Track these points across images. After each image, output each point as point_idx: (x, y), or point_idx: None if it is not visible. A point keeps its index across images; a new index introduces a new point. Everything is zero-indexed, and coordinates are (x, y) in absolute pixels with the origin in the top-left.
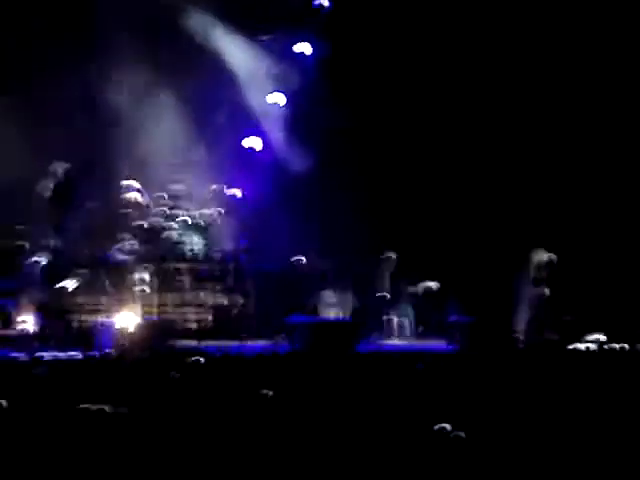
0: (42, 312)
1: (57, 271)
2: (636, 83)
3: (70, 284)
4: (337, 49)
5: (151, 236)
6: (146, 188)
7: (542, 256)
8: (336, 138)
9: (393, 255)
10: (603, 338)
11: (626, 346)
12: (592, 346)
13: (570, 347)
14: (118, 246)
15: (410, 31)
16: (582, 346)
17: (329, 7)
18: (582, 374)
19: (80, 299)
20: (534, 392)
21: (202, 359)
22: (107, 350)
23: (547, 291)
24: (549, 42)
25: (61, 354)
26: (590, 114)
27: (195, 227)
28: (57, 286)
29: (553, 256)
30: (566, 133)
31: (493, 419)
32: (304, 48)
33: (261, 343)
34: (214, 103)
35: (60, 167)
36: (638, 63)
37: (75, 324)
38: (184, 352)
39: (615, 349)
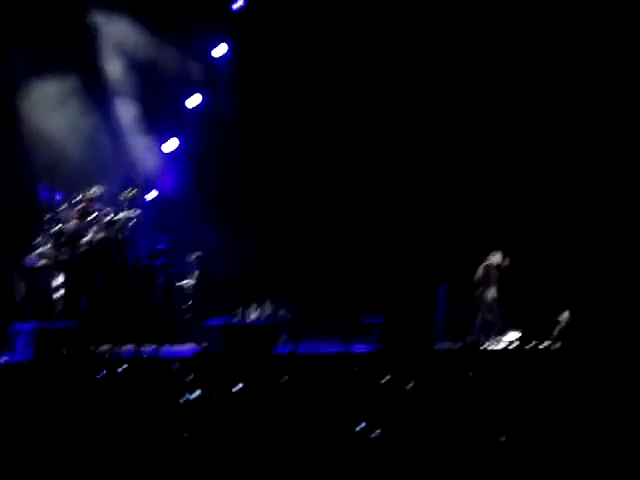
0: None
1: None
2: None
3: None
4: (251, 50)
5: (67, 240)
6: (60, 190)
7: (496, 258)
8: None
9: None
10: (517, 336)
11: (541, 344)
12: (505, 345)
13: (486, 347)
14: (36, 250)
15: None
16: (498, 346)
17: (242, 7)
18: (494, 374)
19: None
20: (446, 392)
21: (124, 364)
22: (24, 356)
23: (494, 293)
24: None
25: None
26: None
27: (112, 230)
28: None
29: (506, 259)
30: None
31: (411, 418)
32: (220, 49)
33: (178, 347)
34: (130, 103)
35: None
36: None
37: None
38: (103, 357)
39: (530, 348)
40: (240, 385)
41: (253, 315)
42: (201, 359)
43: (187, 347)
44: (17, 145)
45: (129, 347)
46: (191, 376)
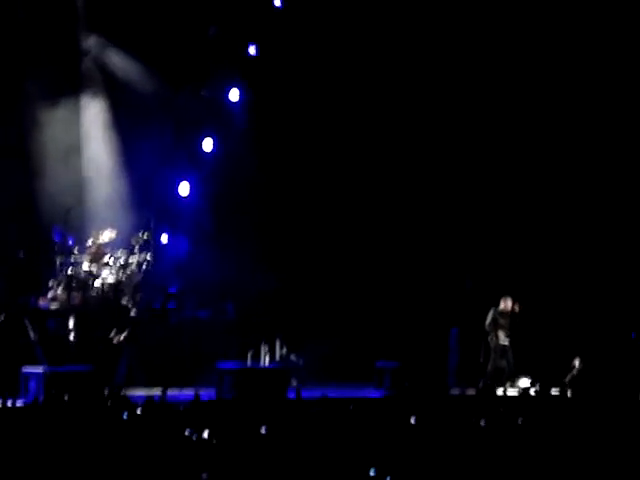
0: None
1: None
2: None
3: None
4: (264, 95)
5: (78, 283)
6: (72, 233)
7: (505, 304)
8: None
9: None
10: (528, 382)
11: (554, 390)
12: (519, 391)
13: (500, 392)
14: (47, 294)
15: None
16: (513, 391)
17: (256, 53)
18: (507, 420)
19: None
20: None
21: (136, 408)
22: (35, 397)
23: (507, 340)
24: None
25: None
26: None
27: (124, 273)
28: None
29: (515, 305)
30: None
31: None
32: (233, 95)
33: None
34: (143, 149)
35: None
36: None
37: None
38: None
39: (544, 393)
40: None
41: (265, 357)
42: (214, 404)
43: (199, 391)
44: (30, 188)
45: (141, 391)
46: (202, 421)
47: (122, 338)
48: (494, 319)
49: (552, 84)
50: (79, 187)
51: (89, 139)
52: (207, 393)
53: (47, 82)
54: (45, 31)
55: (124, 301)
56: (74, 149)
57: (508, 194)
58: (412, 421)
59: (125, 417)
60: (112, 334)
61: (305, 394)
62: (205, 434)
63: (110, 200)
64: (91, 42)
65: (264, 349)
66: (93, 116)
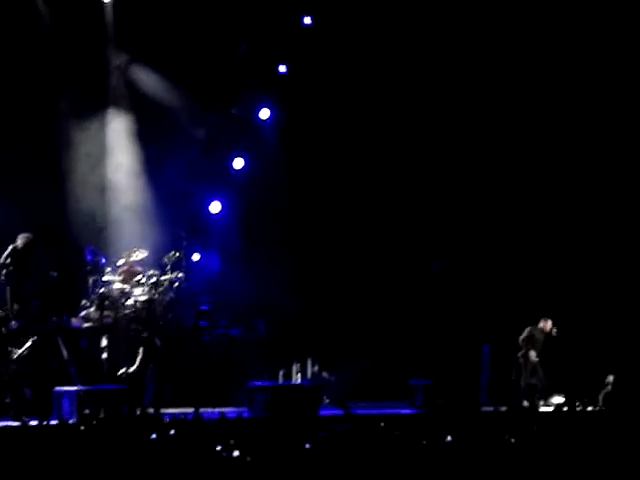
0: None
1: (11, 340)
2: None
3: (22, 351)
4: (294, 113)
5: (110, 303)
6: (104, 253)
7: (545, 325)
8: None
9: None
10: (562, 400)
11: (590, 407)
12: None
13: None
14: (80, 313)
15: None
16: (547, 408)
17: (286, 72)
18: (545, 435)
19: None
20: (493, 455)
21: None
22: (68, 418)
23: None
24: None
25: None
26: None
27: (155, 292)
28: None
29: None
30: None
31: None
32: (263, 113)
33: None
34: (172, 166)
35: (20, 237)
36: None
37: (28, 392)
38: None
39: (578, 410)
40: (289, 447)
41: (297, 375)
42: (247, 422)
43: (232, 409)
44: (64, 208)
45: (173, 410)
46: (235, 439)
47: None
48: (530, 336)
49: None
50: (110, 207)
51: (117, 158)
52: (239, 411)
53: (78, 100)
54: (75, 48)
55: (156, 319)
56: (103, 168)
57: (531, 209)
58: (448, 439)
59: (154, 437)
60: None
61: (336, 412)
62: (236, 453)
63: (141, 219)
64: (121, 59)
65: (296, 367)
66: (121, 135)
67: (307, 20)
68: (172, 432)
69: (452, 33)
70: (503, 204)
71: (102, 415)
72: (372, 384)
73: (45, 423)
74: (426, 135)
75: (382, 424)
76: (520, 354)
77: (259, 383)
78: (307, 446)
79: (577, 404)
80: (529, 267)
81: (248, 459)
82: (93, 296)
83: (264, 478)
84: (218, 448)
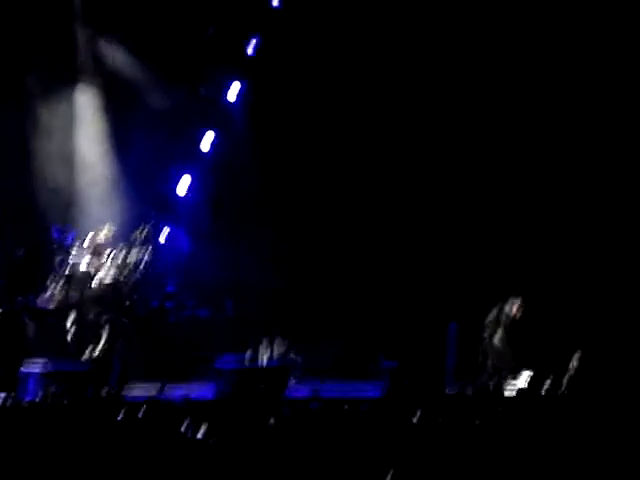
0: None
1: None
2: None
3: None
4: (262, 93)
5: (79, 281)
6: (71, 230)
7: (512, 307)
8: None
9: None
10: (529, 377)
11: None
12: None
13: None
14: (46, 292)
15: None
16: (514, 387)
17: (257, 48)
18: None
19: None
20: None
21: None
22: (33, 397)
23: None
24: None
25: None
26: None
27: (123, 270)
28: None
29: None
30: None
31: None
32: (231, 93)
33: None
34: (140, 144)
35: None
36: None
37: None
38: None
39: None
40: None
41: (263, 355)
42: (211, 403)
43: (198, 387)
44: (30, 184)
45: (138, 390)
46: (199, 419)
47: None
48: (496, 318)
49: (553, 85)
50: (76, 183)
51: (84, 135)
52: (205, 391)
53: (44, 77)
54: (42, 24)
55: (122, 298)
56: (70, 144)
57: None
58: (414, 420)
59: (120, 417)
60: None
61: (302, 393)
62: (201, 433)
63: (107, 197)
64: (87, 36)
65: (263, 347)
66: (89, 111)
67: (275, 1)
68: (140, 413)
69: (431, 12)
70: (475, 181)
71: (65, 396)
72: (339, 365)
73: (10, 402)
74: (394, 114)
75: (346, 406)
76: (486, 334)
77: (225, 364)
78: (271, 421)
79: (543, 385)
80: (497, 241)
81: (211, 441)
82: (59, 275)
83: (229, 459)
84: (182, 429)
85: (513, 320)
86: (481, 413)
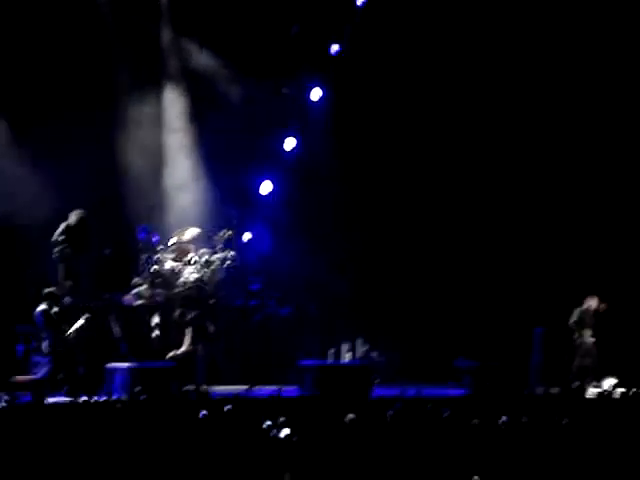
0: (51, 357)
1: (64, 317)
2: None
3: (76, 328)
4: (345, 94)
5: (164, 280)
6: (157, 231)
7: (592, 303)
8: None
9: None
10: (615, 383)
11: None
12: (603, 391)
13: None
14: (132, 291)
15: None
16: (595, 391)
17: (338, 52)
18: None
19: (88, 343)
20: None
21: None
22: (119, 395)
23: (590, 338)
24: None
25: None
26: None
27: (207, 271)
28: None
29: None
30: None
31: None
32: (314, 93)
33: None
34: (225, 146)
35: (74, 213)
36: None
37: (81, 369)
38: (197, 397)
39: (628, 394)
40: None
41: (346, 355)
42: (297, 401)
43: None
44: (117, 185)
45: (223, 388)
46: (285, 418)
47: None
48: (580, 318)
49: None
50: (162, 183)
51: (170, 135)
52: (289, 391)
53: (133, 77)
54: (128, 27)
55: (206, 298)
56: (156, 144)
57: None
58: (503, 420)
59: (203, 415)
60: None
61: (386, 392)
62: (284, 432)
63: (192, 198)
64: (173, 36)
65: (345, 347)
66: (175, 112)
67: (359, 1)
68: (226, 409)
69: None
70: (555, 184)
71: (150, 393)
72: (420, 365)
73: (95, 400)
74: (476, 116)
75: (430, 406)
76: (575, 336)
77: (309, 362)
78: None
79: (630, 387)
80: (582, 248)
81: (295, 439)
82: (145, 274)
83: (310, 457)
84: (265, 426)
85: (598, 314)
86: (566, 414)
